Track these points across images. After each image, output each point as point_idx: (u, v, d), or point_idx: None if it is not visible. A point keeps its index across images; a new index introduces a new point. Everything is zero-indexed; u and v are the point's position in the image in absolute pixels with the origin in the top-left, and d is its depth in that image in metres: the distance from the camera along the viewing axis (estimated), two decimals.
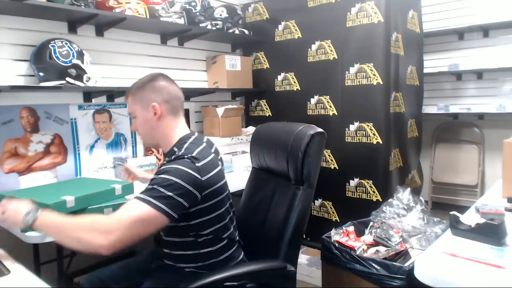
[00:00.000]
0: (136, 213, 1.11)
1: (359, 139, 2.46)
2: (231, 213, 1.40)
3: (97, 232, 1.08)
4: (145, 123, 1.36)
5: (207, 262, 1.32)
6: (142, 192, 1.16)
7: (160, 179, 1.16)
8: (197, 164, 1.21)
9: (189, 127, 1.43)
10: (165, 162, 1.28)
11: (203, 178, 1.21)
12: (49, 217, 1.13)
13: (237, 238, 1.43)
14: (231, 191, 1.38)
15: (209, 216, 1.28)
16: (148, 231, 1.13)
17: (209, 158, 1.27)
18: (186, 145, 1.28)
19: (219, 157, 1.40)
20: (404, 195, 2.08)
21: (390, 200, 2.11)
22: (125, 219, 1.10)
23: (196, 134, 1.39)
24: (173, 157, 1.24)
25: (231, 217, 1.40)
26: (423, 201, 2.07)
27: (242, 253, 1.44)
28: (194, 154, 1.23)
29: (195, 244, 1.31)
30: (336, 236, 1.96)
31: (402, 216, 1.98)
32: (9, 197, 1.31)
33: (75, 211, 1.48)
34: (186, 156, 1.21)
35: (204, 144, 1.32)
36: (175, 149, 1.30)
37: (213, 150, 1.36)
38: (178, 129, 1.37)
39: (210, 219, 1.29)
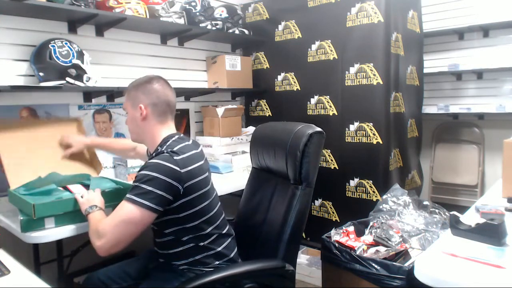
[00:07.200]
0: (122, 214, 1.20)
1: (359, 139, 2.45)
2: (218, 207, 1.42)
3: (96, 235, 1.22)
4: (132, 121, 1.43)
5: (198, 257, 1.34)
6: (129, 192, 1.23)
7: (141, 175, 1.23)
8: (176, 158, 1.26)
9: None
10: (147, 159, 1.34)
11: (183, 171, 1.25)
12: (92, 217, 1.30)
13: (227, 231, 1.43)
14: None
15: (194, 209, 1.31)
16: (138, 229, 1.21)
17: (189, 154, 1.32)
18: (168, 142, 1.35)
19: (204, 159, 1.43)
20: (398, 192, 2.08)
21: (385, 197, 2.11)
22: (113, 222, 1.21)
23: (181, 134, 1.44)
24: (154, 154, 1.32)
25: (218, 211, 1.42)
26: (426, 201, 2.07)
27: (236, 248, 1.44)
28: (174, 149, 1.28)
29: (183, 240, 1.32)
30: (336, 236, 1.95)
31: (399, 212, 1.98)
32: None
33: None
34: (165, 151, 1.28)
35: (188, 143, 1.37)
36: (159, 147, 1.36)
37: (198, 150, 1.41)
38: (164, 131, 1.41)
39: (195, 212, 1.31)
